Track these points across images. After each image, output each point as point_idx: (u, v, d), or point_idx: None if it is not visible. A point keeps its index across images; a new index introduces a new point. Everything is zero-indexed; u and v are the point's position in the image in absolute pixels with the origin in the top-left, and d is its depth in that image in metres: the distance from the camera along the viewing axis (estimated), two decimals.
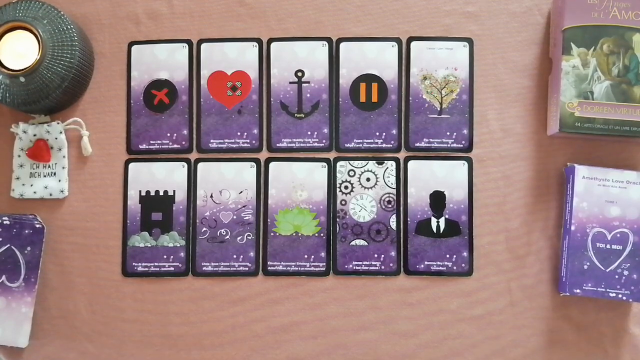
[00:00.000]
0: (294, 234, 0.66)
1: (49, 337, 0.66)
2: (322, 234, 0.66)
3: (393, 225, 0.66)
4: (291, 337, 0.65)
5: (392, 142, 0.67)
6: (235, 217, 0.66)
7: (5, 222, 0.65)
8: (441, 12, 0.68)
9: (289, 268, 0.66)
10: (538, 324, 0.65)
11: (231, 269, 0.66)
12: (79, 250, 0.67)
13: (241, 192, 0.67)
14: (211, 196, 0.67)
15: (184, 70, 0.68)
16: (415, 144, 0.67)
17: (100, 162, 0.68)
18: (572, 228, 0.62)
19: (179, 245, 0.66)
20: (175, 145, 0.68)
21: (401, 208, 0.66)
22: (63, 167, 0.67)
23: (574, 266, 0.62)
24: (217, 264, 0.66)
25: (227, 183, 0.67)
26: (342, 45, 0.68)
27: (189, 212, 0.67)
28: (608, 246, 0.62)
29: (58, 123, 0.67)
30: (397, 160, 0.66)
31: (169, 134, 0.68)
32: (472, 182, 0.66)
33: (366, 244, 0.66)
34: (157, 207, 0.67)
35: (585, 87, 0.62)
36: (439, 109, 0.67)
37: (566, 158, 0.66)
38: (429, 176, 0.66)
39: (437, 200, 0.66)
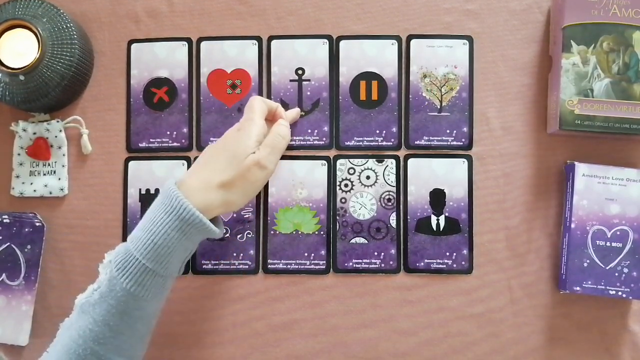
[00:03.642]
0: (294, 232, 0.66)
1: (49, 335, 0.65)
2: (322, 232, 0.66)
3: (393, 223, 0.66)
4: (291, 335, 0.65)
5: (392, 140, 0.67)
6: (235, 215, 0.66)
7: (5, 221, 0.65)
8: (441, 9, 0.68)
9: (289, 266, 0.66)
10: (538, 321, 0.65)
11: (231, 267, 0.66)
12: (79, 249, 0.67)
13: None
14: None
15: (184, 69, 0.68)
16: (415, 142, 0.67)
17: (100, 161, 0.68)
18: (572, 226, 0.62)
19: None
20: (175, 144, 0.67)
21: (401, 206, 0.66)
22: (63, 166, 0.67)
23: (574, 264, 0.62)
24: (217, 262, 0.66)
25: None
26: (342, 43, 0.68)
27: None
28: (608, 244, 0.62)
29: (58, 121, 0.67)
30: (397, 158, 0.66)
31: (168, 132, 0.68)
32: (472, 180, 0.66)
33: (366, 241, 0.66)
34: None
35: (585, 85, 0.62)
36: (438, 106, 0.67)
37: (566, 156, 0.66)
38: (429, 174, 0.66)
39: (437, 198, 0.66)
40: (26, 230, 0.65)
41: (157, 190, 0.67)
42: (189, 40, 0.68)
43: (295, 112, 0.65)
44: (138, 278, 0.50)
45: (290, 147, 0.66)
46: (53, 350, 0.52)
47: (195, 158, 0.67)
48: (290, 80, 0.68)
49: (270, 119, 0.63)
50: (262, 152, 0.57)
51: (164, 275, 0.52)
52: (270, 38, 0.68)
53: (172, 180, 0.55)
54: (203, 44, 0.68)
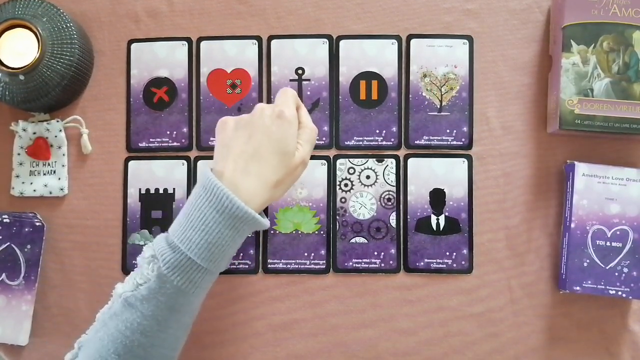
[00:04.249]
0: (294, 232, 0.66)
1: (50, 335, 0.66)
2: (322, 232, 0.66)
3: (393, 222, 0.66)
4: (291, 335, 0.65)
5: (392, 139, 0.67)
6: None
7: (5, 220, 0.65)
8: (441, 9, 0.68)
9: (289, 266, 0.66)
10: (538, 321, 0.65)
11: (231, 267, 0.66)
12: (79, 249, 0.67)
13: None
14: None
15: (184, 68, 0.68)
16: (415, 142, 0.67)
17: (100, 160, 0.68)
18: (572, 225, 0.62)
19: None
20: (175, 143, 0.67)
21: (401, 206, 0.66)
22: (63, 165, 0.67)
23: (573, 263, 0.62)
24: None
25: None
26: (342, 42, 0.68)
27: None
28: (608, 243, 0.62)
29: (58, 121, 0.67)
30: (397, 157, 0.66)
31: (168, 132, 0.68)
32: (472, 180, 0.66)
33: (366, 241, 0.66)
34: (157, 205, 0.67)
35: (585, 85, 0.62)
36: (438, 106, 0.67)
37: (566, 155, 0.66)
38: (429, 174, 0.66)
39: (437, 197, 0.66)
40: (26, 230, 0.65)
41: (156, 190, 0.67)
42: (188, 40, 0.68)
43: None
44: (190, 276, 0.51)
45: None
46: (95, 337, 0.52)
47: (196, 158, 0.67)
48: (290, 80, 0.68)
49: None
50: (306, 148, 0.56)
51: (216, 272, 0.53)
52: (270, 38, 0.68)
53: (210, 172, 0.52)
54: (203, 44, 0.68)
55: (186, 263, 0.50)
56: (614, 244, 0.62)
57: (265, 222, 0.53)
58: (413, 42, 0.67)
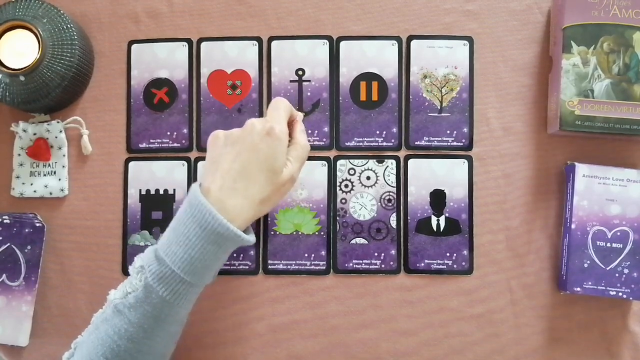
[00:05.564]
0: (294, 233, 0.66)
1: (50, 335, 0.66)
2: (322, 233, 0.66)
3: (393, 223, 0.66)
4: (291, 336, 0.65)
5: (393, 140, 0.67)
6: None
7: (5, 221, 0.65)
8: (441, 10, 0.68)
9: (289, 267, 0.66)
10: (538, 322, 0.65)
11: (231, 267, 0.66)
12: (79, 249, 0.67)
13: None
14: None
15: (184, 69, 0.68)
16: (416, 143, 0.67)
17: (100, 161, 0.68)
18: (573, 226, 0.62)
19: None
20: (175, 144, 0.67)
21: (401, 206, 0.66)
22: (63, 166, 0.67)
23: (574, 264, 0.62)
24: None
25: None
26: (342, 43, 0.68)
27: None
28: (608, 244, 0.62)
29: (58, 122, 0.67)
30: (397, 158, 0.66)
31: (169, 133, 0.68)
32: (472, 181, 0.66)
33: (366, 242, 0.66)
34: (157, 205, 0.67)
35: (586, 86, 0.62)
36: (439, 107, 0.67)
37: (566, 156, 0.66)
38: (429, 175, 0.66)
39: (437, 198, 0.66)
40: (26, 230, 0.65)
41: (157, 191, 0.67)
42: (189, 41, 0.68)
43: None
44: (175, 288, 0.52)
45: None
46: (88, 339, 0.53)
47: (197, 159, 0.67)
48: (291, 81, 0.68)
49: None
50: (295, 166, 0.56)
51: (200, 285, 0.54)
52: (271, 39, 0.68)
53: (197, 188, 0.53)
54: (203, 45, 0.68)
55: (170, 275, 0.51)
56: (614, 245, 0.62)
57: (250, 239, 0.54)
58: (413, 43, 0.67)
